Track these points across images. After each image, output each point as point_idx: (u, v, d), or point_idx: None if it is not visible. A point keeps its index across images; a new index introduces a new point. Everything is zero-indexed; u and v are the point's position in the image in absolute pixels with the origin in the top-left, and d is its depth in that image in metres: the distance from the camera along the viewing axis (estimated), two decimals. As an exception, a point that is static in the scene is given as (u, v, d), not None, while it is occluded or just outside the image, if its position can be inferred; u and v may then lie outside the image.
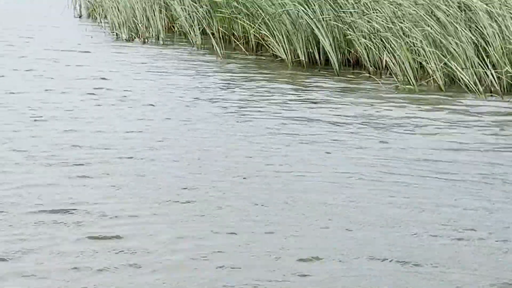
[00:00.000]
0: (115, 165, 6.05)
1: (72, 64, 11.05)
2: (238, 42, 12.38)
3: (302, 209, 5.07)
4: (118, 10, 14.69)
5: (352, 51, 10.57)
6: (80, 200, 5.18)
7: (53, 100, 8.50)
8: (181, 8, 14.25)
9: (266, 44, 11.61)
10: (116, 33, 14.56)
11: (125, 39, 14.10)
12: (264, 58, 11.60)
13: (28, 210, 4.97)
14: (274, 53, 11.23)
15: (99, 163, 6.10)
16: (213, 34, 12.93)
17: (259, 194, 5.36)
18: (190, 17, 13.24)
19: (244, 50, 12.07)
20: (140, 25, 13.99)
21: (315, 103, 8.60)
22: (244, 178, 5.72)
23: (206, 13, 13.10)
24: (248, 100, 8.65)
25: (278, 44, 10.89)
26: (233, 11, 12.24)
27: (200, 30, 13.05)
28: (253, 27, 11.38)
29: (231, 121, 7.64)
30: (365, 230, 4.68)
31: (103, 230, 4.63)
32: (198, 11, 13.09)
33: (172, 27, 14.87)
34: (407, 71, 9.32)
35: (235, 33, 12.54)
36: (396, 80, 9.52)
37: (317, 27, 10.24)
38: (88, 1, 19.49)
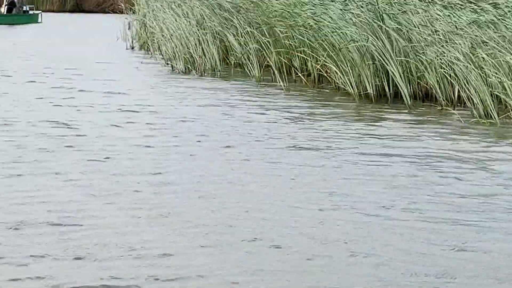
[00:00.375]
0: (189, 209, 5.65)
1: (132, 97, 10.75)
2: (299, 74, 12.02)
3: (391, 257, 4.64)
4: (173, 42, 14.45)
5: (422, 83, 10.15)
6: (154, 243, 4.79)
7: (117, 135, 8.15)
8: (235, 39, 13.97)
9: (329, 76, 11.24)
10: (172, 65, 14.31)
11: (181, 71, 13.84)
12: (327, 90, 11.22)
13: (105, 255, 4.61)
14: (338, 85, 10.85)
15: (175, 206, 5.72)
16: (268, 65, 12.61)
17: (350, 239, 4.94)
18: (248, 49, 12.91)
19: (305, 82, 11.71)
20: (196, 57, 13.71)
21: (388, 137, 8.19)
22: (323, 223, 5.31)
23: (264, 45, 12.75)
24: (318, 135, 8.26)
25: (344, 77, 10.50)
26: (293, 42, 11.90)
27: (260, 63, 12.71)
28: (319, 60, 10.99)
29: (303, 157, 7.24)
30: (465, 278, 4.24)
31: (177, 277, 4.25)
32: (254, 43, 12.75)
33: (226, 58, 14.59)
34: (489, 104, 8.84)
35: (296, 65, 12.19)
36: (474, 113, 9.07)
37: (386, 59, 9.85)
38: (140, 33, 19.36)
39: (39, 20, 31.95)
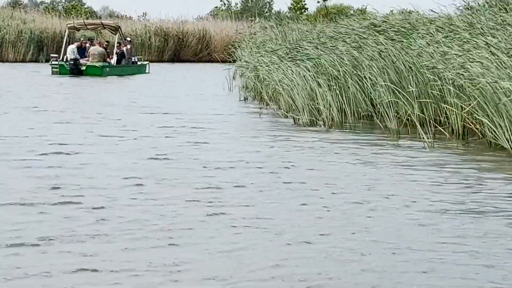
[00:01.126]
0: None
1: (264, 153, 10.07)
2: (439, 127, 11.17)
3: None
4: (294, 93, 13.79)
5: None
6: None
7: (264, 197, 7.45)
8: (365, 90, 13.28)
9: (476, 129, 10.37)
10: (293, 117, 13.65)
11: (306, 124, 13.16)
12: (476, 145, 10.34)
13: None
14: (489, 139, 9.95)
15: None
16: (397, 117, 11.84)
17: None
18: (384, 101, 12.14)
19: (448, 136, 10.86)
20: (323, 108, 13.01)
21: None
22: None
23: (402, 96, 11.96)
24: (472, 198, 7.37)
25: (498, 130, 9.61)
26: (435, 93, 11.10)
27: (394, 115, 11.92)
28: (465, 111, 10.14)
29: (454, 223, 6.41)
30: None
31: None
32: (390, 94, 11.99)
33: (352, 109, 13.84)
34: None
35: (432, 116, 11.37)
36: None
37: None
38: (253, 84, 18.85)
39: (147, 70, 32.06)
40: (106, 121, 13.74)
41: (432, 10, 15.40)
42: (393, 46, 12.68)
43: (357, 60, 13.58)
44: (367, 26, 15.21)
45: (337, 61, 13.66)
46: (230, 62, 26.61)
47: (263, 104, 16.99)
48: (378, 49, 13.12)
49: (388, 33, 13.61)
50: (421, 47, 11.86)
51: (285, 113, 14.38)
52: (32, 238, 5.83)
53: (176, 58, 47.22)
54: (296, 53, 15.53)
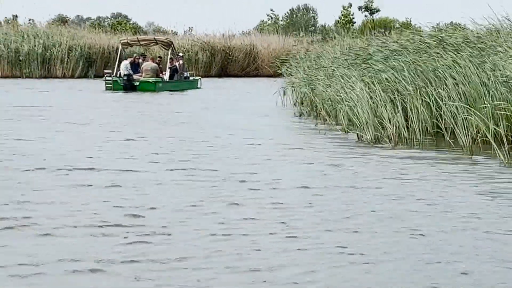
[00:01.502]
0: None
1: (322, 172, 9.57)
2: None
3: None
4: (358, 109, 13.27)
5: None
6: None
7: (309, 219, 6.94)
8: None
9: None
10: (357, 134, 13.13)
11: (370, 141, 12.62)
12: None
13: None
14: None
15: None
16: (469, 134, 11.27)
17: None
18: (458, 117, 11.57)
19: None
20: (388, 124, 12.47)
21: None
22: None
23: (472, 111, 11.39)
24: None
25: None
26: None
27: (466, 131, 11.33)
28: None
29: None
30: None
31: None
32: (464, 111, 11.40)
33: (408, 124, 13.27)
34: None
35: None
36: None
37: None
38: (309, 99, 18.40)
39: (199, 85, 32.00)
40: (163, 138, 13.40)
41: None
42: (471, 62, 12.14)
43: (424, 74, 13.06)
44: (434, 40, 14.69)
45: (408, 75, 13.16)
46: (278, 76, 26.29)
47: (321, 119, 16.53)
48: (451, 63, 12.61)
49: (460, 47, 13.09)
50: (495, 62, 11.33)
51: (346, 129, 13.89)
52: (95, 262, 5.50)
53: (223, 73, 47.16)
54: (362, 68, 15.05)
